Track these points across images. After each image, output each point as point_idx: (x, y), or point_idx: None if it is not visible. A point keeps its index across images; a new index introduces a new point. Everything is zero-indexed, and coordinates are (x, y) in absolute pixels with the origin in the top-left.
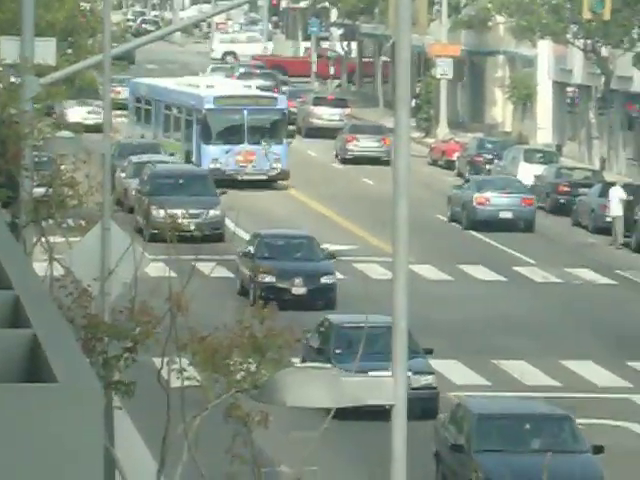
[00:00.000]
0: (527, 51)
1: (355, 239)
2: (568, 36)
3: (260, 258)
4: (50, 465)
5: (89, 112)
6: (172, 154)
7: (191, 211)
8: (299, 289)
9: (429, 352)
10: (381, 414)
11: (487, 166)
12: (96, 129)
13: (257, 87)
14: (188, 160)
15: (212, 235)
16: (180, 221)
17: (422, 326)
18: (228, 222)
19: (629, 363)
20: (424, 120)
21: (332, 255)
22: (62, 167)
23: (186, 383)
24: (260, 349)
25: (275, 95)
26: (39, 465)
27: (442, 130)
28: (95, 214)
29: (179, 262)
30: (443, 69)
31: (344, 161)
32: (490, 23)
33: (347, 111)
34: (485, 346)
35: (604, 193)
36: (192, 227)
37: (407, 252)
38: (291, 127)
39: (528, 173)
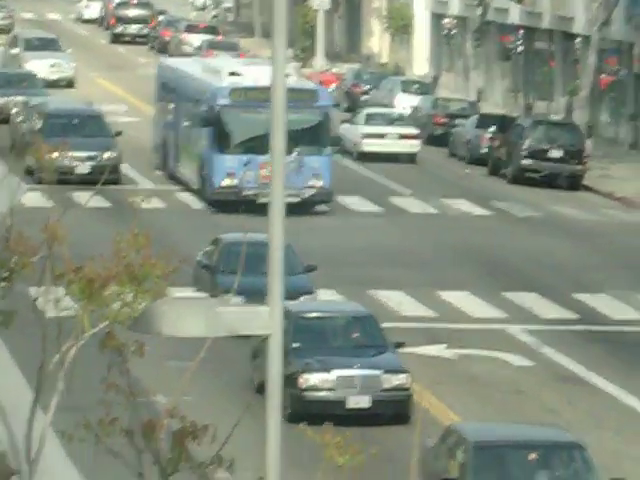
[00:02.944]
0: None
1: None
2: None
3: (223, 272)
4: None
5: (52, 65)
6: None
7: (86, 153)
8: None
9: (400, 345)
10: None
11: (364, 97)
12: (60, 84)
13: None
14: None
15: (108, 178)
16: (75, 163)
17: (301, 255)
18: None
19: (503, 293)
20: (301, 51)
21: (312, 267)
22: None
23: (62, 313)
24: (136, 279)
25: (315, 87)
26: None
27: (319, 61)
28: None
29: (55, 191)
30: (320, 0)
31: None
32: None
33: (218, 38)
34: (362, 277)
35: (481, 124)
36: (88, 169)
37: (283, 183)
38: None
39: (405, 104)
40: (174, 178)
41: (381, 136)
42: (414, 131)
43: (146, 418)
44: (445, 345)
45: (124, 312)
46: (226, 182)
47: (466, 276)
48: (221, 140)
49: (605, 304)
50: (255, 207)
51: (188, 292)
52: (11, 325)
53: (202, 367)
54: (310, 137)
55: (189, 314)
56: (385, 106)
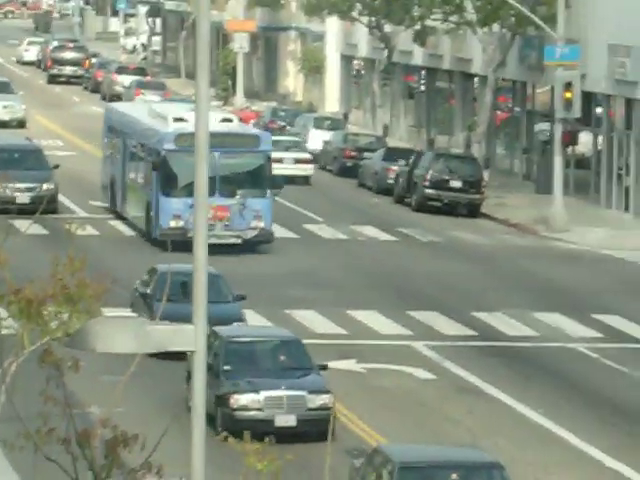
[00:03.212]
0: (317, 27)
1: None
2: (354, 13)
3: (159, 300)
4: None
5: (4, 107)
6: None
7: (26, 185)
8: None
9: (323, 368)
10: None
11: (281, 130)
12: (12, 124)
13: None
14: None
15: (46, 207)
16: (16, 193)
17: (228, 278)
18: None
19: (409, 312)
20: (223, 90)
21: (242, 297)
22: None
23: (4, 331)
24: (72, 299)
25: (258, 132)
26: None
27: (239, 99)
28: None
29: None
30: (240, 43)
31: None
32: (283, 1)
33: (146, 78)
34: (279, 297)
35: (387, 157)
36: (27, 199)
37: (206, 210)
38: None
39: (317, 139)
40: (122, 217)
41: (279, 160)
42: (308, 156)
43: (81, 428)
44: (355, 360)
45: (61, 330)
46: (172, 224)
47: (374, 296)
48: (167, 183)
49: (501, 322)
50: None
51: (124, 312)
52: None
53: (134, 382)
54: (252, 180)
55: (120, 332)
56: (284, 135)
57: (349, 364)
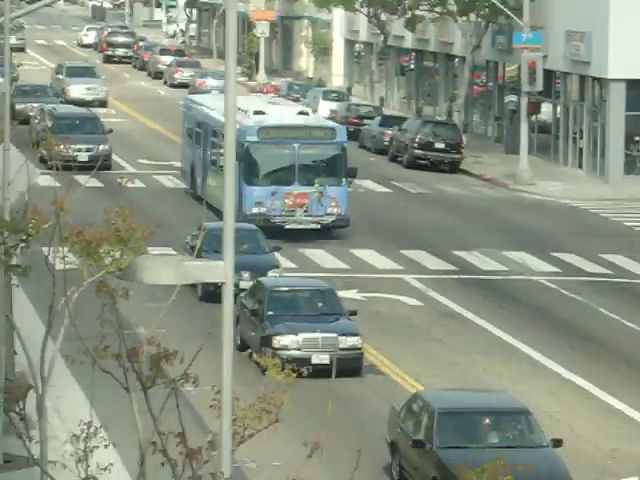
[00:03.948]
0: (325, 16)
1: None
2: (356, 5)
3: (206, 252)
4: None
5: (88, 89)
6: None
7: (85, 146)
8: (247, 283)
9: (353, 314)
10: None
11: (295, 103)
12: (94, 104)
13: (300, 112)
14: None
15: (102, 165)
16: (76, 153)
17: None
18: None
19: (401, 251)
20: (247, 68)
21: (277, 247)
22: None
23: (67, 266)
24: (123, 240)
25: (333, 125)
26: None
27: (261, 76)
28: None
29: (61, 175)
30: (261, 30)
31: (172, 86)
32: None
33: (184, 58)
34: (292, 237)
35: (383, 123)
36: (86, 158)
37: (234, 164)
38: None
39: (325, 108)
40: (202, 200)
41: None
42: None
43: (131, 346)
44: (356, 290)
45: (114, 265)
46: (255, 210)
47: (372, 238)
48: (250, 173)
49: (477, 259)
50: (283, 232)
51: (166, 251)
52: (28, 276)
53: (176, 309)
54: (329, 169)
55: (163, 266)
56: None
57: (352, 293)
